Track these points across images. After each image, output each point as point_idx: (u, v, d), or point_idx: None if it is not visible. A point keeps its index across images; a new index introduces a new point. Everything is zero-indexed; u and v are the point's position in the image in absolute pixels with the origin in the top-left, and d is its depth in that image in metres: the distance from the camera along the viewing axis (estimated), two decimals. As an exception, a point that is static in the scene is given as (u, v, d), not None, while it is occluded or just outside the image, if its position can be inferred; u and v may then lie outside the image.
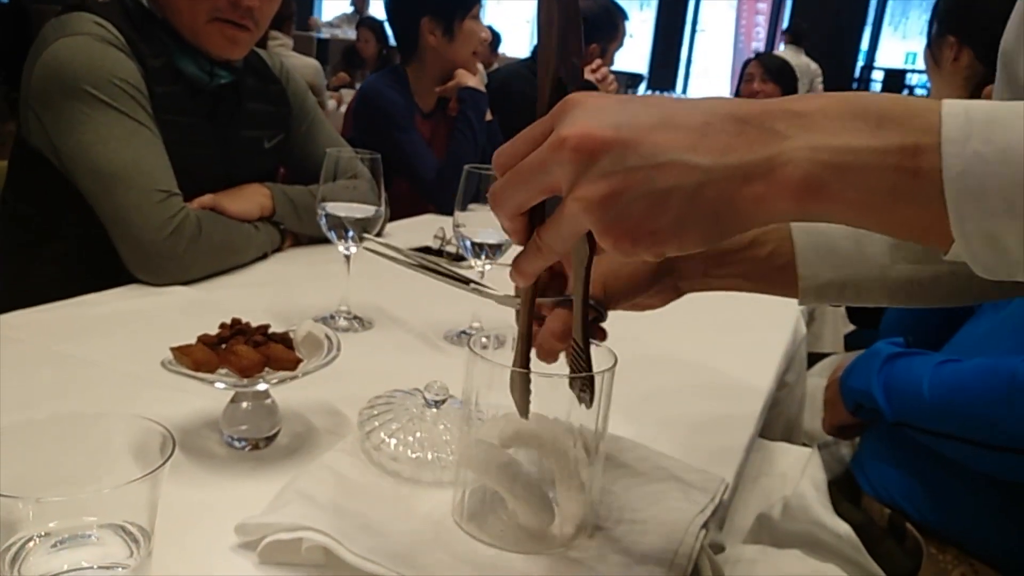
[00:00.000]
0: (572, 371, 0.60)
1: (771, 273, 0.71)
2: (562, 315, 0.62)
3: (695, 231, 0.45)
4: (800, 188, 0.42)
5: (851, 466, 1.11)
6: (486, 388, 0.60)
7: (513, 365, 0.59)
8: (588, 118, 0.46)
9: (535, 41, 2.72)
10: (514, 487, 0.60)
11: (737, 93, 3.76)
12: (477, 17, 2.17)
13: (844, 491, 1.07)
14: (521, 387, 0.58)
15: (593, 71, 2.66)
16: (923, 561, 0.92)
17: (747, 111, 0.44)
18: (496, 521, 0.61)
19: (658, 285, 0.71)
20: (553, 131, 0.47)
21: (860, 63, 7.82)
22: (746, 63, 3.91)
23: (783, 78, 3.58)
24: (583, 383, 0.58)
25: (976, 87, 1.66)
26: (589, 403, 0.59)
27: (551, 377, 0.59)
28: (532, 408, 0.59)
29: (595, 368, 0.59)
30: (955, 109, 0.40)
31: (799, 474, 1.09)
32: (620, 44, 2.80)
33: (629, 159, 0.44)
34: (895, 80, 7.07)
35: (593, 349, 0.60)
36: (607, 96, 0.48)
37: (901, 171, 0.40)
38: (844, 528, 0.97)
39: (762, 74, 3.56)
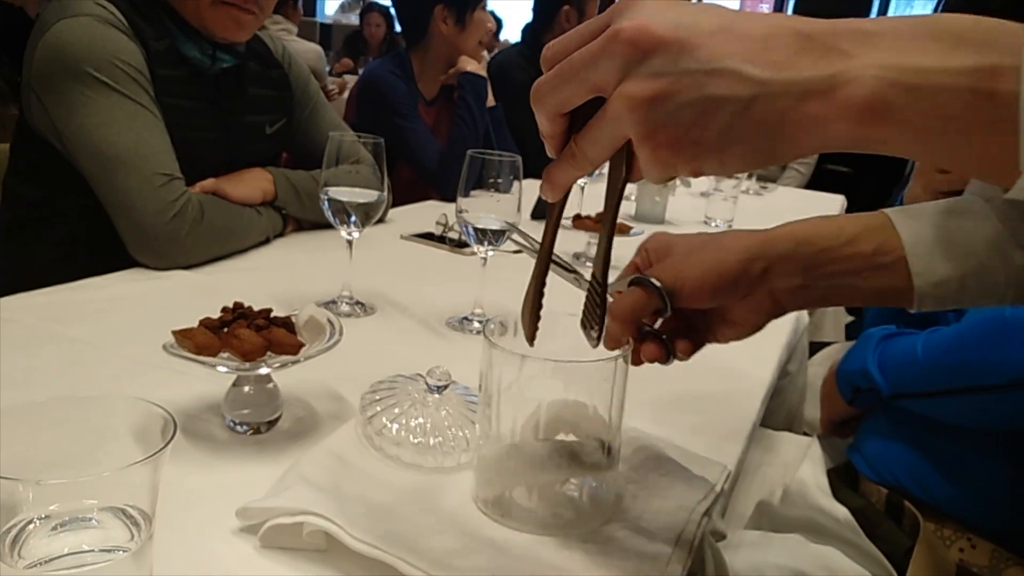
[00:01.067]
0: (586, 307, 0.57)
1: (877, 274, 0.60)
2: (631, 300, 0.60)
3: (740, 147, 0.43)
4: (863, 108, 0.40)
5: (848, 452, 1.11)
6: (509, 377, 0.59)
7: (529, 284, 0.58)
8: (647, 14, 0.43)
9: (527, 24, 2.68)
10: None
11: None
12: (485, 7, 2.17)
13: (843, 478, 1.07)
14: (531, 311, 0.57)
15: None
16: (919, 536, 0.92)
17: (813, 28, 0.42)
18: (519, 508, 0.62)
19: (746, 288, 0.61)
20: (609, 26, 0.44)
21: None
22: None
23: None
24: (593, 320, 0.57)
25: None
26: (596, 342, 0.57)
27: (560, 315, 0.59)
28: (566, 396, 0.59)
29: (612, 352, 0.59)
30: None
31: (799, 462, 1.10)
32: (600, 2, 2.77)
33: (683, 61, 0.42)
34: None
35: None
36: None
37: (975, 93, 0.38)
38: (843, 512, 0.97)
39: None
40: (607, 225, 0.54)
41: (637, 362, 0.63)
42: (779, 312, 0.63)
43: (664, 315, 0.62)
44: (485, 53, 3.85)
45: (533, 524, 0.60)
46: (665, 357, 0.63)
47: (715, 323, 0.65)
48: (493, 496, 0.62)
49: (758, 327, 0.64)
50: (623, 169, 0.50)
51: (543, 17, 2.76)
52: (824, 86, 0.40)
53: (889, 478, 1.02)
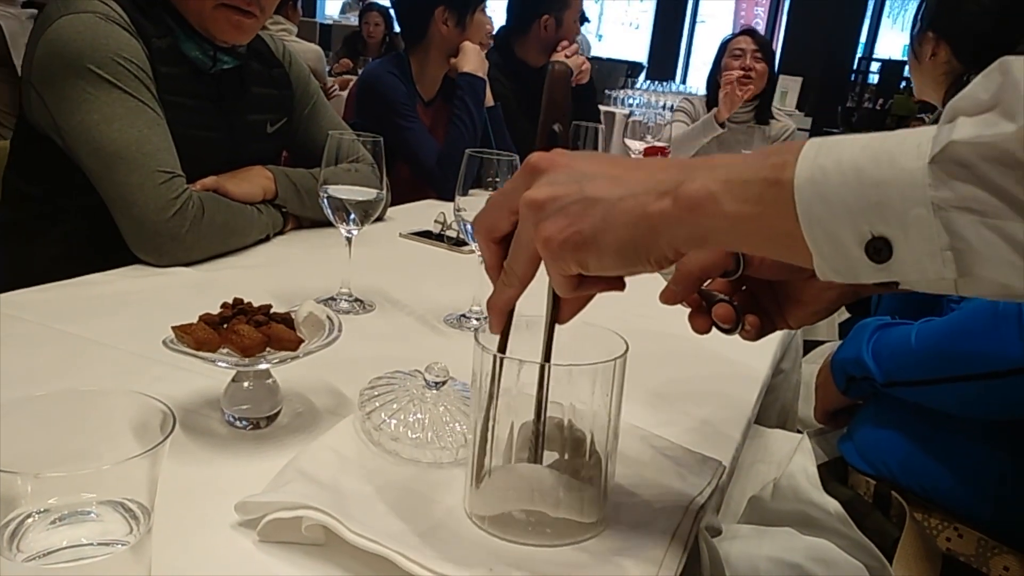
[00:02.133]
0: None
1: None
2: (701, 257, 0.63)
3: (610, 239, 0.52)
4: (696, 202, 0.49)
5: (839, 444, 1.11)
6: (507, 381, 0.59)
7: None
8: (554, 151, 0.56)
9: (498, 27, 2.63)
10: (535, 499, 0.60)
11: (716, 70, 3.31)
12: (485, 9, 2.17)
13: (832, 472, 1.08)
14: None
15: (568, 56, 2.63)
16: (906, 525, 0.93)
17: (677, 161, 0.53)
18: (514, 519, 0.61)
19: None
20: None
21: (858, 54, 7.78)
22: (728, 38, 3.40)
23: (771, 58, 3.38)
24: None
25: (954, 83, 1.66)
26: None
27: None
28: (562, 399, 0.60)
29: (606, 356, 0.59)
30: (816, 139, 0.47)
31: (790, 459, 1.10)
32: (579, 12, 2.71)
33: (572, 174, 0.54)
34: (892, 71, 7.02)
35: (604, 334, 0.61)
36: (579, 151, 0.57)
37: (768, 182, 0.47)
38: (833, 505, 0.98)
39: (754, 51, 3.25)
40: (546, 322, 0.60)
41: (705, 327, 0.64)
42: (852, 294, 0.65)
43: (732, 276, 0.64)
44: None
45: (531, 538, 0.60)
46: (735, 324, 0.63)
47: (786, 303, 0.66)
48: (489, 516, 0.61)
49: (830, 310, 0.66)
50: (552, 312, 0.59)
51: (519, 24, 2.70)
52: (672, 186, 0.50)
53: (880, 468, 1.03)
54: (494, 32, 2.21)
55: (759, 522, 1.04)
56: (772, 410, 1.34)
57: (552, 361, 0.59)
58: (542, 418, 0.60)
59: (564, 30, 2.67)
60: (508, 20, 2.74)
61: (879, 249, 0.44)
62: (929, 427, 1.00)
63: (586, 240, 0.52)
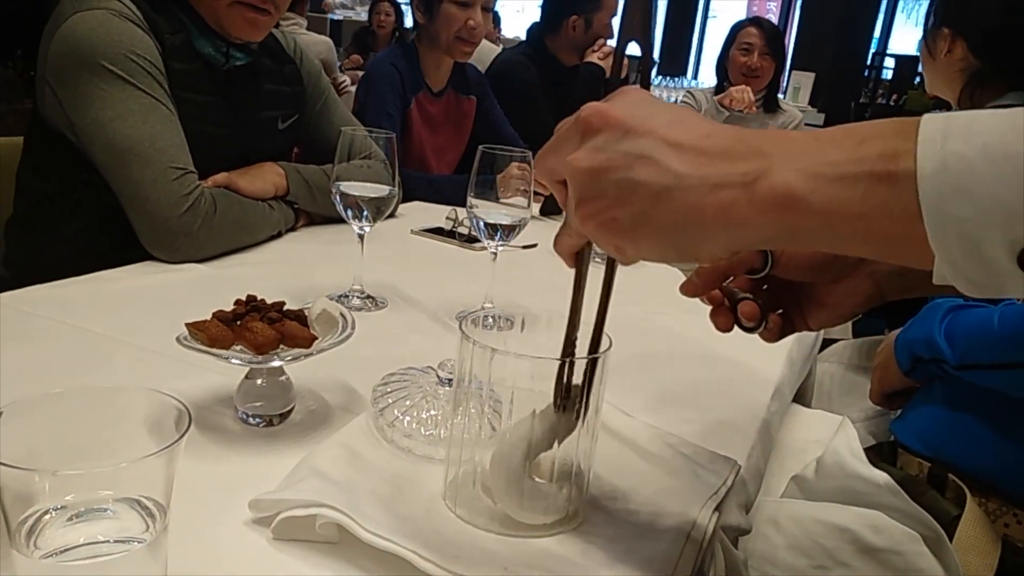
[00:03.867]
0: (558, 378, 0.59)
1: None
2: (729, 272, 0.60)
3: (651, 233, 0.46)
4: (775, 201, 0.42)
5: (891, 425, 1.09)
6: (478, 369, 0.59)
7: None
8: (613, 101, 0.48)
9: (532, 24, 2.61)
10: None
11: (724, 58, 3.29)
12: (463, 4, 2.06)
13: (880, 455, 1.05)
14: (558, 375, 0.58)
15: (601, 57, 2.62)
16: (967, 504, 0.90)
17: (747, 133, 0.45)
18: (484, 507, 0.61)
19: (846, 266, 0.60)
20: None
21: (872, 49, 7.74)
22: (738, 26, 3.31)
23: (779, 49, 3.37)
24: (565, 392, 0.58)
25: (969, 80, 1.65)
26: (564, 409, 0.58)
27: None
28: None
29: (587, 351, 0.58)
30: (936, 116, 0.39)
31: (831, 438, 1.07)
32: (613, 12, 2.69)
33: (622, 143, 0.46)
34: (906, 67, 6.97)
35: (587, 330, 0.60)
36: (646, 94, 0.50)
37: (876, 177, 0.40)
38: (883, 477, 0.94)
39: (762, 46, 3.21)
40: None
41: (728, 325, 0.62)
42: (877, 298, 0.62)
43: (758, 275, 0.62)
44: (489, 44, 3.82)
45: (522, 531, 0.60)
46: (759, 322, 0.62)
47: (809, 305, 0.64)
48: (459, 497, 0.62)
49: (854, 313, 0.64)
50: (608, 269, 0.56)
51: (550, 23, 2.72)
52: (738, 180, 0.43)
53: (938, 450, 1.00)
54: (500, 33, 2.14)
55: (803, 499, 1.02)
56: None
57: (543, 356, 0.58)
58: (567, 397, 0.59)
59: (595, 31, 2.66)
60: (540, 17, 2.76)
61: None
62: (1000, 412, 0.98)
63: (623, 229, 0.47)
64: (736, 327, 0.64)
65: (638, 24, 0.58)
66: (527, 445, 0.59)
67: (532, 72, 2.64)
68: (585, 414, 0.59)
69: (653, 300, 1.20)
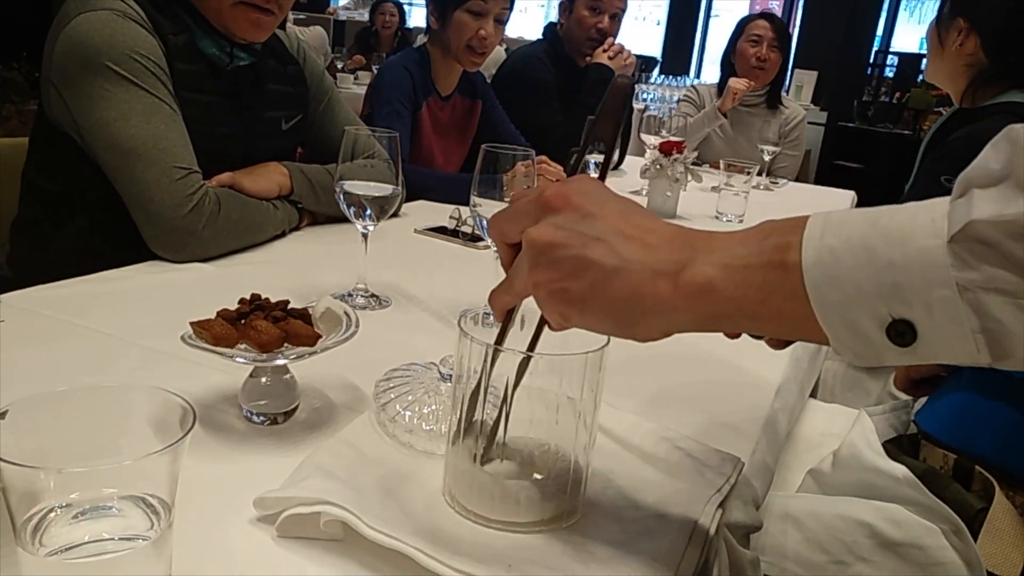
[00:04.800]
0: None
1: None
2: None
3: (597, 307, 0.51)
4: (695, 288, 0.48)
5: (916, 416, 1.07)
6: (477, 366, 0.59)
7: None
8: (572, 185, 0.55)
9: (549, 20, 2.65)
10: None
11: (731, 50, 3.31)
12: (477, 13, 2.06)
13: (900, 447, 1.03)
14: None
15: (611, 57, 2.62)
16: (995, 497, 0.89)
17: (682, 231, 0.52)
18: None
19: None
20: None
21: (875, 47, 7.72)
22: (747, 19, 3.35)
23: (786, 44, 3.35)
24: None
25: (974, 77, 1.64)
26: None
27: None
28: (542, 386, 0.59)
29: (584, 348, 0.58)
30: (819, 214, 0.46)
31: (847, 432, 1.06)
32: (590, 4, 2.67)
33: (580, 224, 0.52)
34: (909, 64, 6.95)
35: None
36: (602, 185, 0.57)
37: (772, 265, 0.46)
38: (901, 470, 0.94)
39: (772, 39, 3.22)
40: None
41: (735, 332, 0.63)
42: None
43: None
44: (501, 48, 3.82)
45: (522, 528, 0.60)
46: None
47: None
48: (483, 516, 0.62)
49: None
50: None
51: (559, 19, 2.76)
52: (671, 269, 0.49)
53: (964, 442, 0.98)
54: (487, 39, 2.11)
55: (819, 494, 1.01)
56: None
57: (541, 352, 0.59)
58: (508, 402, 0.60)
59: (575, 18, 2.67)
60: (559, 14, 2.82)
61: (902, 332, 0.42)
62: None
63: (572, 300, 0.52)
64: (744, 333, 0.64)
65: (608, 132, 0.64)
66: (473, 438, 0.60)
67: (548, 70, 2.65)
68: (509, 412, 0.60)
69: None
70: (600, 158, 1.93)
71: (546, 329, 0.60)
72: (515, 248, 0.57)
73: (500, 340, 0.60)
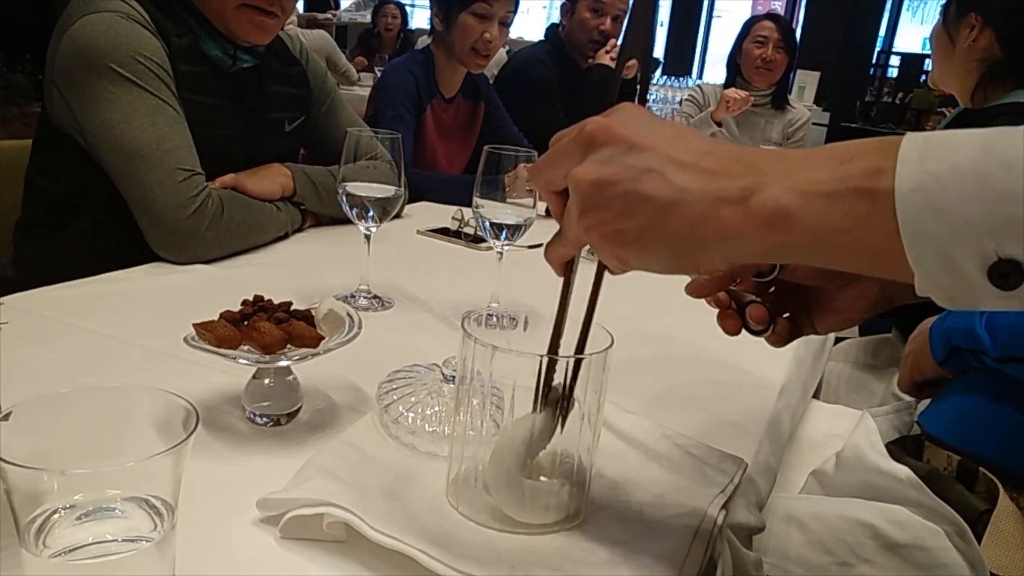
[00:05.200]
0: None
1: None
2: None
3: (656, 244, 0.48)
4: (768, 216, 0.44)
5: (920, 417, 1.07)
6: (480, 367, 0.59)
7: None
8: (615, 116, 0.50)
9: (551, 21, 2.66)
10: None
11: (737, 51, 3.29)
12: (482, 16, 2.06)
13: (904, 448, 1.03)
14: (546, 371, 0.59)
15: (613, 59, 2.64)
16: (999, 499, 0.88)
17: (745, 152, 0.47)
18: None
19: (849, 273, 0.58)
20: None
21: (877, 48, 7.72)
22: (753, 20, 3.32)
23: (792, 45, 3.35)
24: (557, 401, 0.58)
25: (986, 72, 1.63)
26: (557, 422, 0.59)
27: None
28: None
29: (590, 348, 0.58)
30: (916, 136, 0.41)
31: (850, 433, 1.06)
32: (594, 3, 2.68)
33: (628, 157, 0.48)
34: (912, 65, 6.94)
35: (595, 330, 0.60)
36: (645, 110, 0.51)
37: (859, 193, 0.41)
38: (904, 471, 0.93)
39: (777, 39, 3.20)
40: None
41: (736, 328, 0.62)
42: (885, 303, 0.62)
43: (766, 279, 0.62)
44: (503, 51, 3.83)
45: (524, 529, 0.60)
46: (767, 325, 0.62)
47: (815, 309, 0.64)
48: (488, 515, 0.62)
49: (861, 317, 0.64)
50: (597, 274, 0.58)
51: (561, 20, 2.77)
52: (736, 196, 0.45)
53: (969, 444, 0.98)
54: (492, 42, 2.11)
55: (822, 495, 1.01)
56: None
57: (544, 354, 0.59)
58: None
59: (577, 19, 2.67)
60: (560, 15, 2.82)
61: (1006, 273, 0.38)
62: None
63: (628, 240, 0.48)
64: (744, 330, 0.63)
65: (640, 42, 0.60)
66: (525, 446, 0.59)
67: (550, 70, 2.66)
68: (567, 412, 0.59)
69: (656, 301, 1.20)
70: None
71: (551, 331, 0.60)
72: (563, 195, 0.53)
73: (561, 308, 0.58)
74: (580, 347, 0.59)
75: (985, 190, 0.38)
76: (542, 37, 2.86)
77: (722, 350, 1.04)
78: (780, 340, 0.63)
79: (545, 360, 0.58)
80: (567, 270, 0.58)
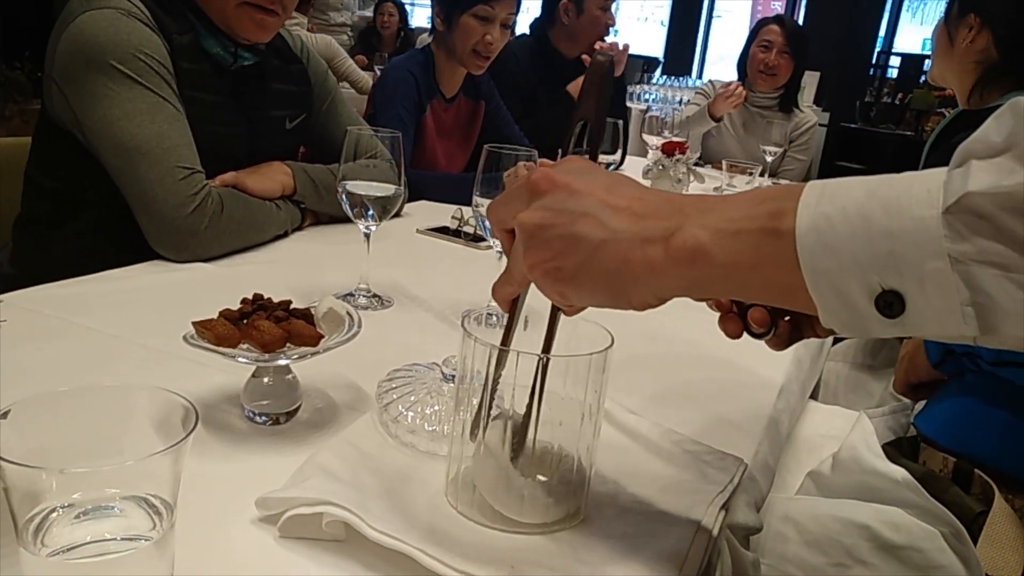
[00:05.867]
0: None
1: None
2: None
3: (590, 281, 0.52)
4: (687, 254, 0.48)
5: (915, 419, 1.07)
6: (480, 366, 0.59)
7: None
8: (559, 167, 0.55)
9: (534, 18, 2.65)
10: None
11: (746, 55, 3.32)
12: (484, 18, 2.06)
13: (900, 450, 1.03)
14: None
15: (603, 48, 2.66)
16: (995, 500, 0.89)
17: (673, 197, 0.52)
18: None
19: None
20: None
21: (877, 48, 7.72)
22: (762, 23, 3.34)
23: (799, 49, 3.37)
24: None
25: (983, 74, 1.63)
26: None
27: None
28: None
29: (590, 348, 0.58)
30: (817, 183, 0.45)
31: (847, 434, 1.06)
32: (604, 1, 2.71)
33: (567, 202, 0.53)
34: (911, 65, 6.93)
35: (590, 328, 0.61)
36: (588, 162, 0.57)
37: (765, 232, 0.45)
38: (900, 473, 0.94)
39: (783, 44, 3.22)
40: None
41: (737, 331, 0.62)
42: (798, 337, 0.63)
43: None
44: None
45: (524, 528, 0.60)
46: (769, 328, 0.62)
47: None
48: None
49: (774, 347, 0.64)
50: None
51: (546, 12, 2.78)
52: (661, 236, 0.49)
53: (964, 445, 0.98)
54: (493, 44, 2.12)
55: (818, 496, 1.01)
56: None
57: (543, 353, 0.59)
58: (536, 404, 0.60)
59: (588, 16, 2.67)
60: (541, 9, 2.81)
61: (890, 303, 0.42)
62: None
63: (566, 277, 0.53)
64: (745, 333, 0.63)
65: (591, 108, 0.65)
66: (507, 445, 0.60)
67: (526, 62, 2.65)
68: (539, 412, 0.60)
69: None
70: (610, 158, 1.94)
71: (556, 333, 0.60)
72: (513, 234, 0.58)
73: (507, 335, 0.60)
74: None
75: (868, 229, 0.42)
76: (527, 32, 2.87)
77: (722, 350, 1.04)
78: (781, 343, 0.63)
79: (544, 360, 0.58)
80: (512, 307, 0.61)
